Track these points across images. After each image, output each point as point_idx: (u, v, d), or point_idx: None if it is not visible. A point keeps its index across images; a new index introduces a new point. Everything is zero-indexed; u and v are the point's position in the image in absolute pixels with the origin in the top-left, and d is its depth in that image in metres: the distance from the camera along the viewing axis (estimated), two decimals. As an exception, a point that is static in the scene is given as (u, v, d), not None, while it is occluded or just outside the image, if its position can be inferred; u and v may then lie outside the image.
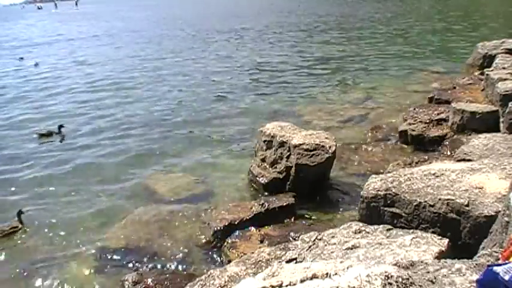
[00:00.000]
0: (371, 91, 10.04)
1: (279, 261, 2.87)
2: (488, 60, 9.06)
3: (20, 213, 5.19)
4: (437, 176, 3.51)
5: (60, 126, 8.41)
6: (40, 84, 13.02)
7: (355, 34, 20.18)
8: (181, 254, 4.41)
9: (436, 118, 6.56)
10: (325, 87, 10.83)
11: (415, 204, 3.27)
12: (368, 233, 2.88)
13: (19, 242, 4.92)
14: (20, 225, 5.13)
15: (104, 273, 4.23)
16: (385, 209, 3.43)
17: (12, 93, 12.12)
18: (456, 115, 6.13)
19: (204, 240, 4.58)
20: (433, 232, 2.98)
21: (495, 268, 1.66)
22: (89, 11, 59.27)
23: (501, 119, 5.70)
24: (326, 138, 5.44)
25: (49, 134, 8.29)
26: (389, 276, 1.70)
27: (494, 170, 3.48)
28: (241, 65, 14.42)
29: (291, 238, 4.24)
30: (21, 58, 17.79)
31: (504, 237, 2.31)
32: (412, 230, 2.89)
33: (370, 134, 7.17)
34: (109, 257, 4.45)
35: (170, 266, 4.25)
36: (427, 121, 6.54)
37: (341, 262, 1.86)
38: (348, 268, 1.77)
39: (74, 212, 5.47)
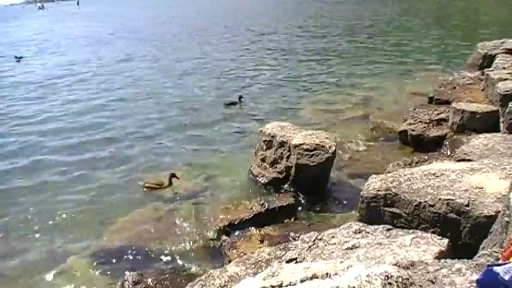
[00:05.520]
0: (371, 91, 10.04)
1: (279, 261, 2.86)
2: (488, 60, 9.03)
3: (172, 175, 5.77)
4: (437, 176, 3.51)
5: (240, 97, 9.68)
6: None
7: (355, 34, 20.16)
8: (181, 254, 4.41)
9: (436, 118, 6.56)
10: (325, 87, 10.83)
11: (415, 204, 3.27)
12: (368, 233, 2.87)
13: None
14: (166, 183, 5.72)
15: (104, 273, 4.23)
16: (385, 209, 3.43)
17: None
18: (456, 115, 6.12)
19: (204, 240, 4.58)
20: (433, 232, 2.98)
21: (495, 268, 1.66)
22: (97, 10, 58.95)
23: (501, 119, 5.70)
24: (326, 138, 5.44)
25: (233, 103, 9.57)
26: (390, 276, 1.70)
27: (494, 170, 3.48)
28: (240, 65, 14.41)
29: (291, 238, 4.24)
30: (21, 57, 17.75)
31: (504, 237, 2.31)
32: (412, 230, 2.89)
33: (370, 134, 7.16)
34: (109, 257, 4.44)
35: (170, 266, 4.25)
36: (427, 121, 6.54)
37: (341, 262, 1.85)
38: (348, 268, 1.77)
39: (71, 211, 5.48)
